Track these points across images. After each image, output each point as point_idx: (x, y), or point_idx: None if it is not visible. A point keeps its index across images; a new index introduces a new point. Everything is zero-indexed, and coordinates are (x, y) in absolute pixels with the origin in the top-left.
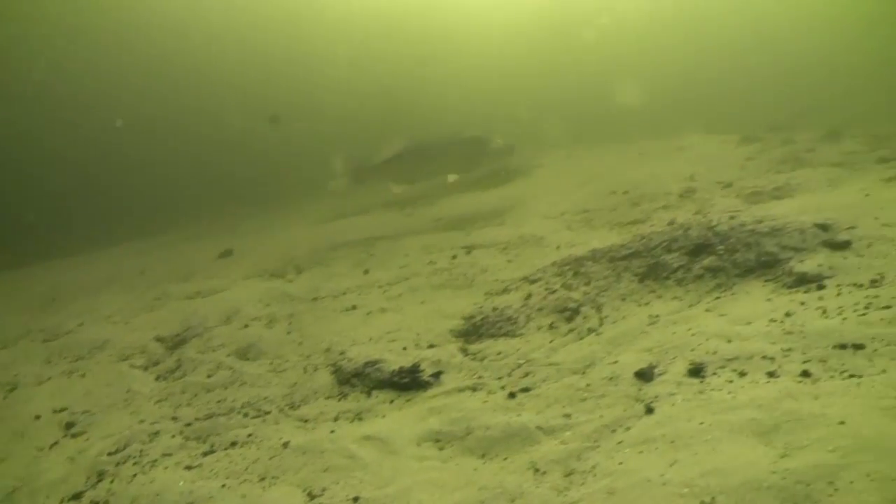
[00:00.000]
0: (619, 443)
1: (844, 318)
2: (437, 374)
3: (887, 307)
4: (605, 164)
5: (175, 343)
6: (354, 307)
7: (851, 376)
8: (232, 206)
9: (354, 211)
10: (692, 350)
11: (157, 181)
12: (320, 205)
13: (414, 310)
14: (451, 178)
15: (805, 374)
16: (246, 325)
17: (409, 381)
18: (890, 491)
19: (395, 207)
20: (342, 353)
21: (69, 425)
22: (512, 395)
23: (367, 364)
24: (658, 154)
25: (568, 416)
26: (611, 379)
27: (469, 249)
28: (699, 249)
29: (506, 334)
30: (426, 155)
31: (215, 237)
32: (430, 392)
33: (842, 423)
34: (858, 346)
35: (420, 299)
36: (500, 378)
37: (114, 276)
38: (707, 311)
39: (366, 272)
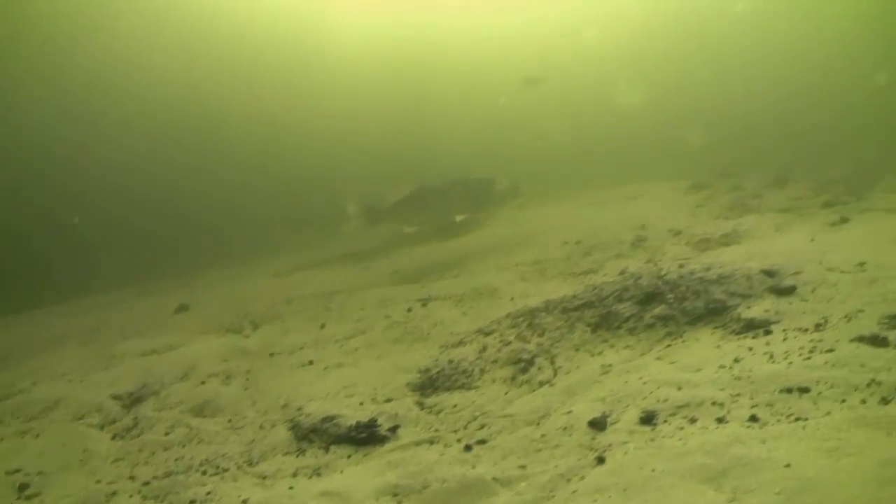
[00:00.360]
0: (574, 492)
1: (790, 363)
2: (394, 429)
3: (830, 350)
4: (558, 214)
5: (131, 401)
6: (311, 362)
7: (797, 420)
8: (191, 259)
9: (311, 264)
10: (644, 398)
11: (114, 234)
12: (278, 258)
13: (370, 364)
14: (459, 218)
15: (753, 418)
16: (203, 382)
17: (366, 436)
18: None
19: (351, 260)
20: (300, 408)
21: (23, 487)
22: (468, 448)
23: (324, 419)
24: (610, 203)
25: (523, 466)
26: (565, 429)
27: (425, 302)
28: (650, 298)
29: (461, 387)
30: (435, 197)
31: (172, 291)
32: (388, 446)
33: (787, 465)
34: (804, 390)
35: (376, 353)
36: (456, 431)
37: (68, 333)
38: (658, 359)
39: (322, 327)
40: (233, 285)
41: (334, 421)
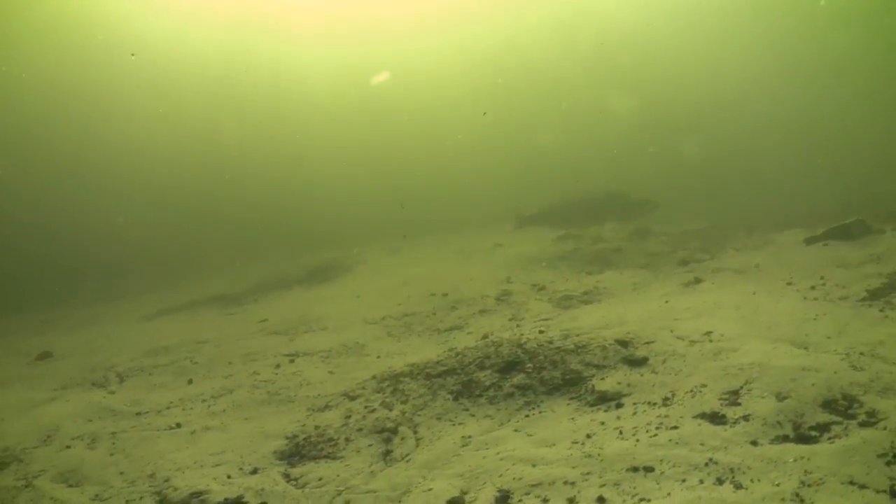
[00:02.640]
0: None
1: (638, 440)
2: None
3: (675, 427)
4: (425, 263)
5: None
6: (178, 425)
7: (642, 500)
8: (51, 296)
9: (178, 307)
10: (500, 476)
11: None
12: (146, 298)
13: (238, 428)
14: (608, 226)
15: (601, 499)
16: (67, 446)
17: None
18: None
19: (219, 304)
20: (167, 480)
21: None
22: None
23: (192, 495)
24: (477, 252)
25: None
26: None
27: (292, 358)
28: (510, 367)
29: (327, 457)
30: (579, 206)
31: (31, 333)
32: None
33: None
34: (648, 469)
35: (244, 415)
36: None
37: None
38: (516, 430)
39: (189, 382)
40: (97, 329)
41: (202, 497)
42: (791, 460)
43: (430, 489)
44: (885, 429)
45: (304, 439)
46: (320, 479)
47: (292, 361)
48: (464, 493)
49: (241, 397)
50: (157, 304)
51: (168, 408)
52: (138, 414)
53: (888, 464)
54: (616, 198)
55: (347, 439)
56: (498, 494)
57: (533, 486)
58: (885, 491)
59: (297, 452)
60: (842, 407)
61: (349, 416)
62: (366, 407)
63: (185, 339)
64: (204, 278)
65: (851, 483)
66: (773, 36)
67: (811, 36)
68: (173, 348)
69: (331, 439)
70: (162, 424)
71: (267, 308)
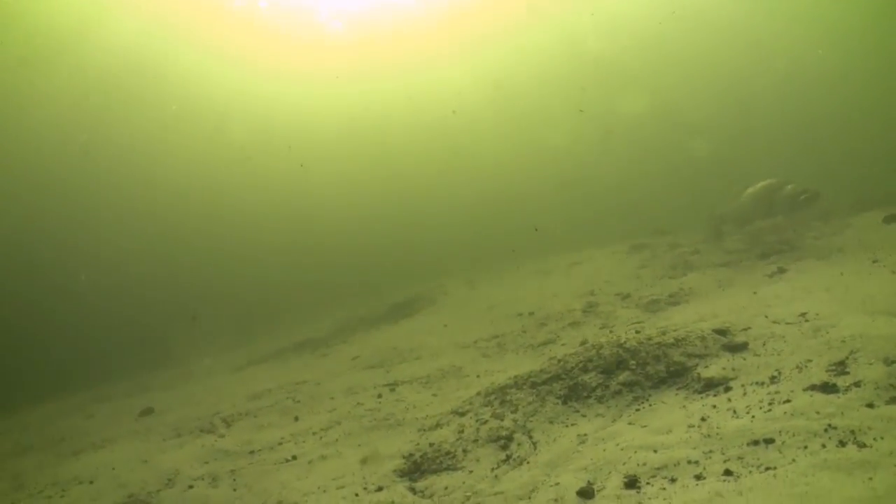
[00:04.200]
0: None
1: (753, 417)
2: None
3: (787, 401)
4: (504, 288)
5: None
6: (294, 457)
7: (767, 469)
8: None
9: (266, 356)
10: (624, 464)
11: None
12: (232, 352)
13: (354, 453)
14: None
15: (728, 472)
16: (190, 486)
17: None
18: None
19: (306, 349)
20: (296, 503)
21: None
22: None
23: None
24: (553, 272)
25: None
26: (556, 500)
27: (392, 387)
28: (613, 366)
29: (448, 469)
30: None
31: (130, 395)
32: None
33: None
34: (769, 441)
35: (357, 442)
36: None
37: (32, 444)
38: (630, 424)
39: (296, 419)
40: (192, 384)
41: None
42: None
43: (557, 483)
44: None
45: (422, 456)
46: (446, 488)
47: (393, 390)
48: (591, 483)
49: (350, 427)
50: (246, 356)
51: (280, 444)
52: (252, 452)
53: None
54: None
55: (465, 451)
56: (626, 480)
57: (658, 468)
58: None
59: (416, 469)
60: None
61: (462, 431)
62: (477, 420)
63: (283, 383)
64: (287, 327)
65: None
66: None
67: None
68: (273, 391)
69: (448, 453)
70: (278, 458)
71: (357, 346)
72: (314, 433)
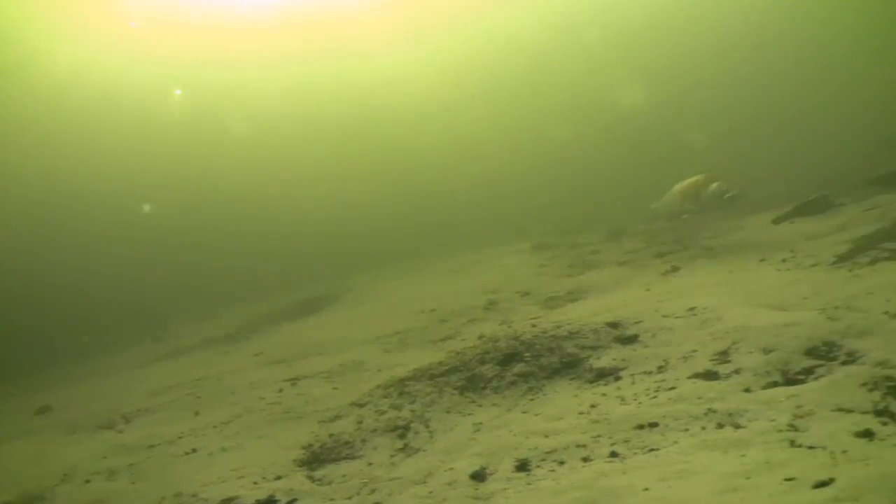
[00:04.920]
0: None
1: (640, 403)
2: (292, 502)
3: (672, 388)
4: (410, 284)
5: None
6: (194, 450)
7: (651, 451)
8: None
9: (170, 353)
10: (516, 449)
11: None
12: (137, 349)
13: (254, 445)
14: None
15: (613, 454)
16: (87, 481)
17: None
18: None
19: (211, 345)
20: (194, 494)
21: None
22: None
23: (223, 501)
24: (458, 269)
25: None
26: (450, 484)
27: (294, 381)
28: (509, 359)
29: (346, 458)
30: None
31: (26, 393)
32: None
33: (646, 489)
34: (654, 425)
35: (257, 434)
36: (350, 498)
37: None
38: (524, 412)
39: (197, 414)
40: (93, 381)
41: (234, 502)
42: (783, 399)
43: (451, 468)
44: (864, 363)
45: (321, 446)
46: (344, 476)
47: (294, 385)
48: (484, 467)
49: (251, 420)
50: (148, 353)
51: (180, 437)
52: (151, 446)
53: (870, 390)
54: (702, 187)
55: (363, 440)
56: (517, 464)
57: (548, 452)
58: (869, 412)
59: (315, 459)
60: (823, 352)
61: (361, 421)
62: (376, 411)
63: (185, 379)
64: (191, 325)
65: (839, 409)
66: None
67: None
68: (175, 388)
69: (347, 442)
70: (177, 452)
71: (261, 342)
72: (215, 427)
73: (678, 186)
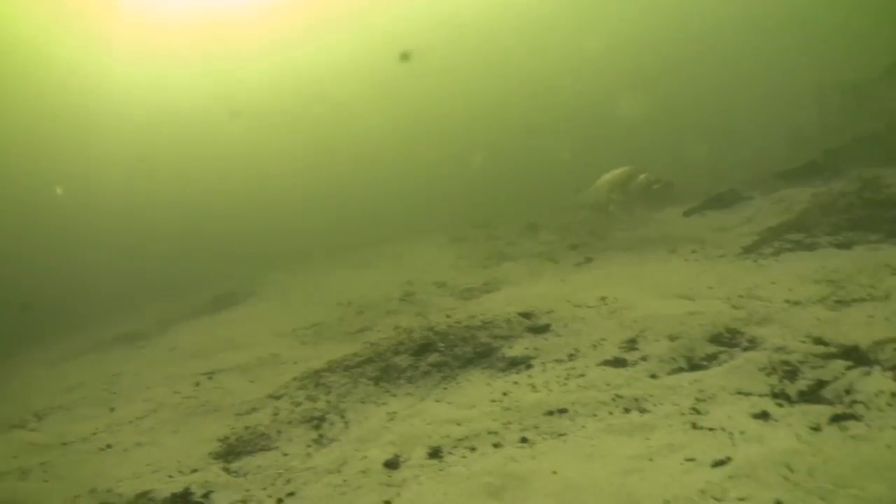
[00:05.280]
0: None
1: (550, 390)
2: (207, 494)
3: (582, 375)
4: (326, 277)
5: None
6: (109, 446)
7: (559, 435)
8: None
9: (83, 349)
10: (429, 437)
11: None
12: (56, 344)
13: (170, 440)
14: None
15: (523, 440)
16: None
17: None
18: None
19: (125, 341)
20: (109, 490)
21: None
22: (280, 501)
23: (138, 496)
24: (375, 262)
25: None
26: (363, 472)
27: (210, 375)
28: (423, 349)
29: (262, 449)
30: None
31: None
32: None
33: (554, 472)
34: (563, 411)
35: (173, 429)
36: (265, 488)
37: None
38: (437, 401)
39: (112, 410)
40: (6, 377)
41: (149, 496)
42: (687, 384)
43: (365, 457)
44: (764, 349)
45: (237, 439)
46: (259, 467)
47: (211, 378)
48: (397, 455)
49: (167, 415)
50: (61, 349)
51: (94, 434)
52: (64, 444)
53: (768, 374)
54: (630, 179)
55: (279, 432)
56: (430, 451)
57: (460, 439)
58: (767, 395)
59: (231, 451)
60: (726, 339)
61: (277, 413)
62: (292, 402)
63: (99, 375)
64: (105, 321)
65: (739, 393)
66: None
67: None
68: (88, 384)
69: (263, 434)
70: (91, 448)
71: (177, 337)
72: (130, 422)
73: (605, 177)
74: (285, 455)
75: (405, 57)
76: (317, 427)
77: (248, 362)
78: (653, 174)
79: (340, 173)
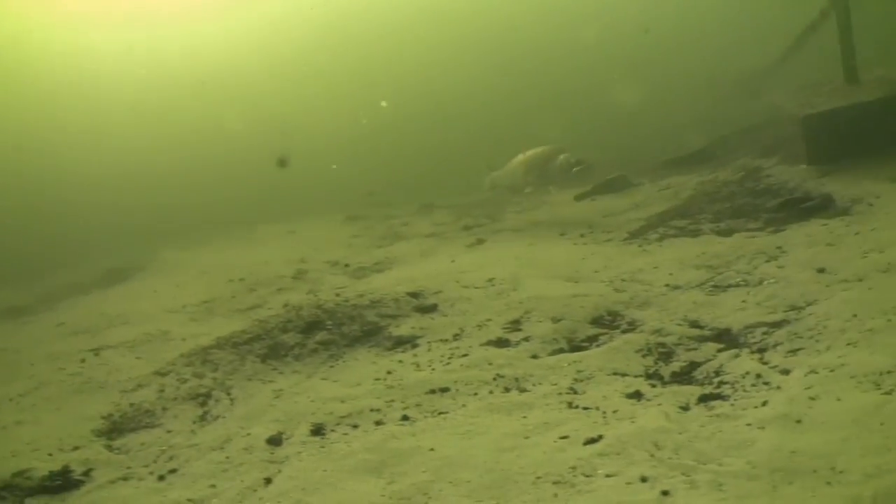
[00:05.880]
0: (261, 499)
1: (433, 369)
2: (87, 472)
3: (465, 355)
4: (220, 254)
5: None
6: None
7: (440, 414)
8: None
9: None
10: (313, 414)
11: None
12: None
13: (51, 418)
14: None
15: (405, 417)
16: None
17: (61, 483)
18: (476, 495)
19: (9, 316)
20: None
21: None
22: (161, 478)
23: (14, 475)
24: (270, 239)
25: (214, 486)
26: (246, 449)
27: (97, 351)
28: (312, 327)
29: (146, 426)
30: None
31: None
32: (84, 489)
33: (432, 450)
34: (444, 390)
35: (55, 406)
36: (147, 465)
37: None
38: (323, 379)
39: None
40: None
41: (25, 475)
42: (566, 365)
43: (249, 434)
44: (642, 331)
45: (121, 416)
46: (143, 444)
47: (97, 355)
48: (281, 432)
49: (50, 392)
50: None
51: None
52: None
53: (644, 356)
54: (549, 159)
55: (164, 409)
56: (313, 428)
57: (343, 417)
58: (641, 375)
59: (115, 428)
60: (607, 321)
61: (163, 390)
62: (178, 379)
63: None
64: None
65: (615, 374)
66: None
67: None
68: None
69: (147, 411)
70: None
71: (63, 313)
72: (10, 399)
73: (521, 157)
74: (169, 432)
75: (283, 163)
76: (202, 404)
77: (137, 339)
78: (573, 155)
79: (240, 149)
